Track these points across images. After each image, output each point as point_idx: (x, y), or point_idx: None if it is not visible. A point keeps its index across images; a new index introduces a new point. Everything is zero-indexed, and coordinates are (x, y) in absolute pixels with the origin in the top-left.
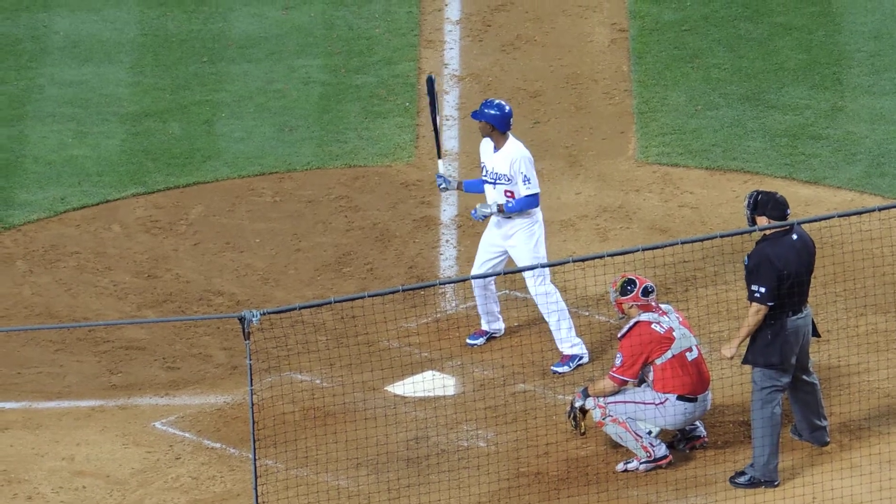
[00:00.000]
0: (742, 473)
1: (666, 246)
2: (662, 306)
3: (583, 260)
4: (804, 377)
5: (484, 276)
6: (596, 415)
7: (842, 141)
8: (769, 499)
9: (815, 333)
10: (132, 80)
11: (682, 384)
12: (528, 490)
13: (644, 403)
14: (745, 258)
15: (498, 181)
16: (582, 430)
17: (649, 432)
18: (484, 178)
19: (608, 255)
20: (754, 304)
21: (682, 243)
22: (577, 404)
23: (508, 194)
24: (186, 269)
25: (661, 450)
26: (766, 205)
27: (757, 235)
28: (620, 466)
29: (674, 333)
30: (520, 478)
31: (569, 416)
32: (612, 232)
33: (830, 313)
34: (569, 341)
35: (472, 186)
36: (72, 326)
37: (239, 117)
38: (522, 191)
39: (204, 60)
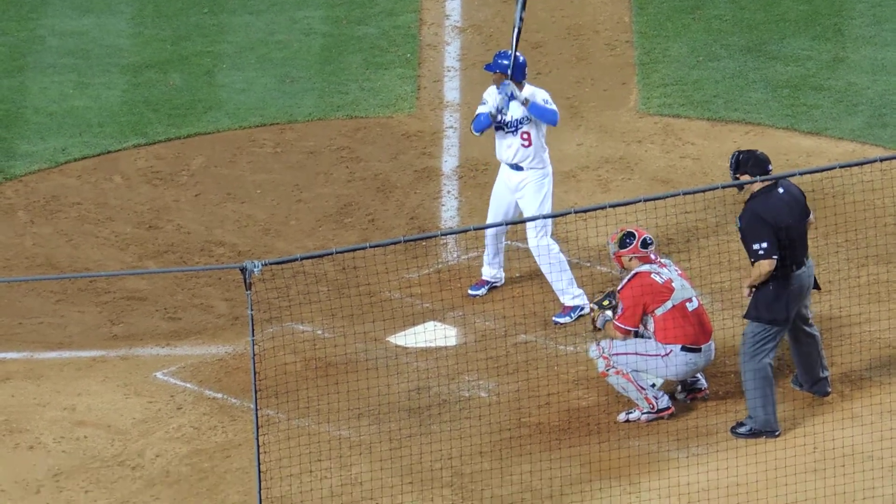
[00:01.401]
0: (742, 424)
1: (667, 197)
2: (662, 259)
3: (584, 211)
4: (805, 328)
5: (483, 228)
6: (600, 365)
7: (843, 92)
8: (770, 448)
9: (816, 286)
10: (133, 30)
11: (684, 334)
12: (529, 440)
13: (649, 355)
14: (737, 220)
15: (520, 126)
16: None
17: (652, 385)
18: (499, 128)
19: (610, 206)
20: (761, 261)
21: (684, 194)
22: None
23: (525, 136)
24: (187, 220)
25: (664, 401)
26: (748, 163)
27: (752, 192)
28: (622, 416)
29: (673, 284)
30: (521, 428)
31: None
32: (613, 183)
33: (832, 264)
34: (570, 293)
35: (535, 110)
36: (73, 277)
37: (240, 68)
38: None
39: (205, 11)
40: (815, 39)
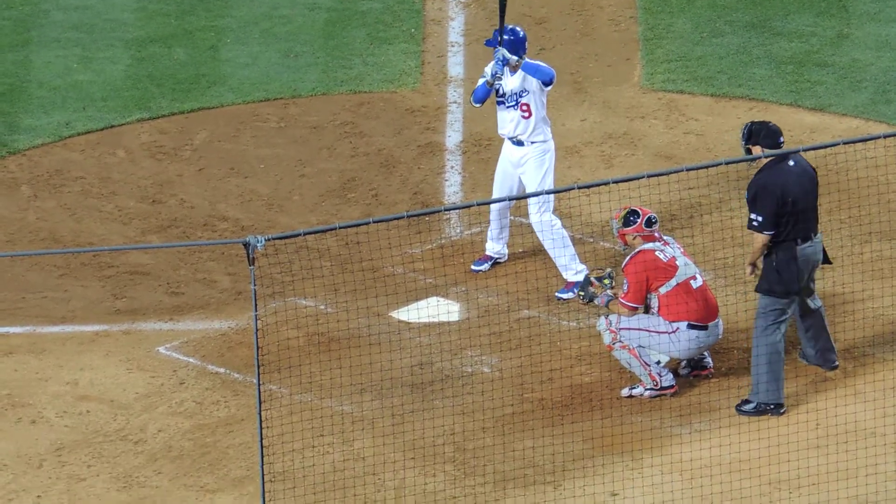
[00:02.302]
0: (747, 401)
1: (671, 173)
2: (665, 237)
3: (588, 186)
4: (809, 302)
5: (486, 203)
6: (606, 338)
7: (847, 68)
8: (772, 425)
9: (826, 261)
10: (137, 5)
11: (688, 311)
12: (532, 416)
13: (657, 332)
14: (746, 191)
15: (519, 98)
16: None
17: (657, 362)
18: (500, 102)
19: (613, 182)
20: (754, 232)
21: (688, 170)
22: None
23: (524, 108)
24: (191, 195)
25: (668, 379)
26: (760, 134)
27: (761, 165)
28: (625, 392)
29: (676, 262)
30: (524, 404)
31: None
32: (617, 159)
33: (835, 240)
34: (572, 268)
35: (529, 67)
36: (76, 251)
37: (244, 43)
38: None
39: None
40: (820, 15)
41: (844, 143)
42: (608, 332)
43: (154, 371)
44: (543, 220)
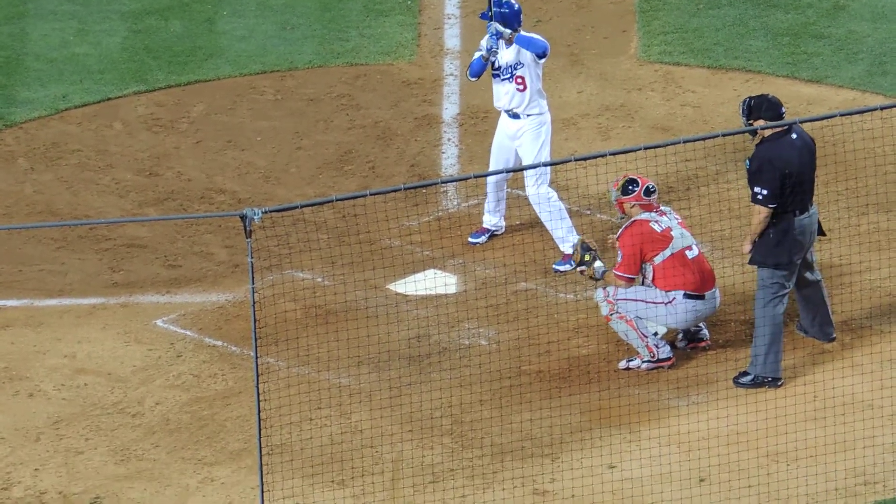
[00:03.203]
0: (745, 374)
1: (668, 145)
2: (662, 207)
3: (584, 159)
4: (808, 274)
5: (483, 175)
6: (604, 309)
7: (844, 40)
8: (770, 397)
9: (821, 232)
10: None
11: (685, 282)
12: (529, 388)
13: (654, 302)
14: (747, 161)
15: (514, 71)
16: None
17: (655, 333)
18: (496, 75)
19: (610, 154)
20: (757, 206)
21: (685, 142)
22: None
23: (519, 80)
24: (188, 167)
25: (665, 351)
26: (761, 107)
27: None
28: (622, 364)
29: (672, 233)
30: (521, 376)
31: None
32: (613, 131)
33: (832, 212)
34: (569, 241)
35: (522, 40)
36: (73, 224)
37: (241, 15)
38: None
39: None
40: None
41: (841, 115)
42: (606, 303)
43: (151, 344)
44: (540, 192)
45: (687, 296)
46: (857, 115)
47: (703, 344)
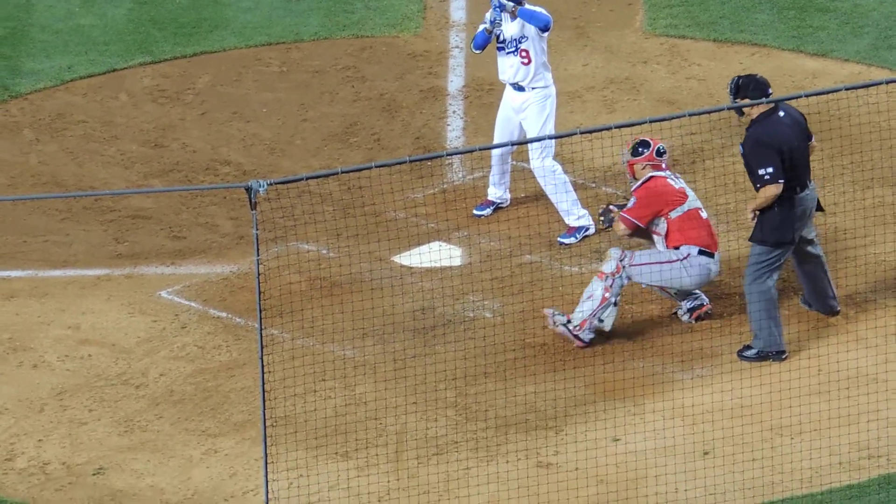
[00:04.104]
0: (749, 347)
1: (673, 118)
2: (673, 174)
3: (590, 132)
4: (809, 249)
5: (489, 148)
6: (607, 266)
7: (849, 13)
8: (774, 370)
9: (820, 208)
10: None
11: (699, 236)
12: (533, 361)
13: (669, 262)
14: (741, 147)
15: (519, 44)
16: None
17: (601, 320)
18: (500, 48)
19: (615, 127)
20: (767, 185)
21: (690, 115)
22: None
23: (524, 53)
24: (193, 139)
25: (587, 336)
26: (748, 87)
27: (751, 120)
28: (549, 311)
29: (687, 192)
30: (525, 349)
31: (601, 217)
32: (619, 104)
33: (837, 186)
34: (574, 213)
35: (525, 13)
36: (78, 195)
37: None
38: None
39: None
40: None
41: (846, 89)
42: (614, 261)
43: (156, 315)
44: (545, 165)
45: (701, 252)
46: (862, 88)
47: (704, 308)
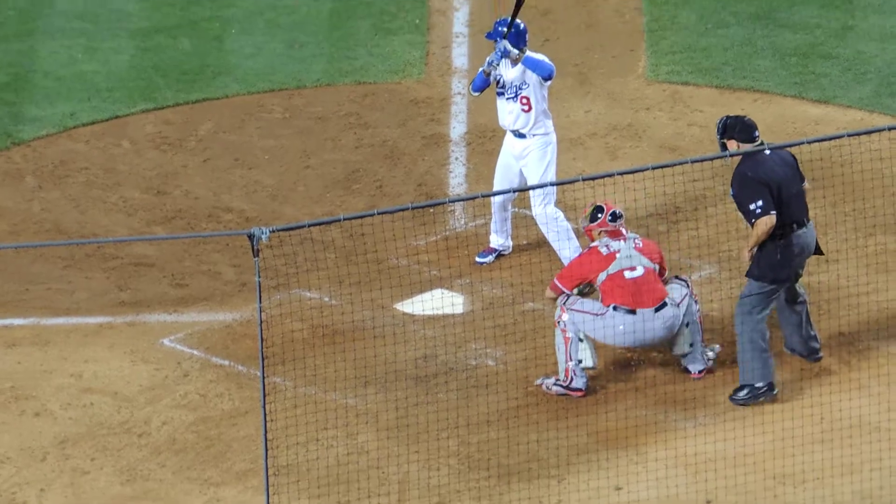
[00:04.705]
0: (740, 388)
1: (675, 164)
2: (630, 234)
3: (592, 178)
4: (795, 290)
5: (491, 195)
6: (557, 314)
7: (852, 60)
8: (776, 418)
9: (819, 251)
10: None
11: (614, 296)
12: (536, 409)
13: (591, 313)
14: (731, 188)
15: (519, 91)
16: None
17: (580, 360)
18: (500, 93)
19: (618, 174)
20: (759, 219)
21: (692, 162)
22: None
23: (524, 100)
24: (195, 186)
25: (580, 382)
26: (735, 128)
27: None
28: (539, 381)
29: (617, 255)
30: (528, 397)
31: None
32: (621, 150)
33: (839, 233)
34: None
35: (529, 62)
36: (81, 243)
37: (249, 33)
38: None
39: None
40: (824, 7)
41: (849, 136)
42: (559, 309)
43: (158, 363)
44: (547, 212)
45: (616, 308)
46: (864, 135)
47: (692, 376)
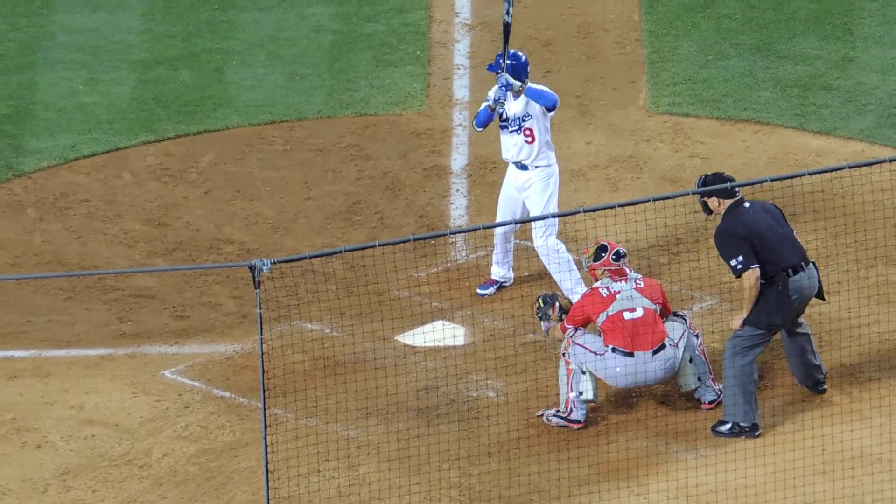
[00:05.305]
0: (723, 422)
1: (676, 196)
2: (633, 273)
3: (593, 210)
4: (796, 327)
5: (492, 227)
6: (563, 345)
7: (853, 92)
8: (778, 450)
9: (821, 296)
10: (143, 27)
11: (613, 338)
12: (537, 440)
13: (593, 352)
14: (715, 244)
15: (522, 123)
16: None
17: (580, 393)
18: (504, 126)
19: (619, 206)
20: (742, 274)
21: (693, 193)
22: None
23: (528, 132)
24: (196, 218)
25: (580, 414)
26: (715, 185)
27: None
28: (540, 412)
29: (617, 296)
30: (529, 428)
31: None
32: (622, 182)
33: (841, 265)
34: (578, 292)
35: (532, 93)
36: (82, 274)
37: (250, 65)
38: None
39: (215, 8)
40: (825, 39)
41: (850, 167)
42: (565, 342)
43: (159, 395)
44: (549, 244)
45: (614, 350)
46: (865, 167)
47: (703, 406)
